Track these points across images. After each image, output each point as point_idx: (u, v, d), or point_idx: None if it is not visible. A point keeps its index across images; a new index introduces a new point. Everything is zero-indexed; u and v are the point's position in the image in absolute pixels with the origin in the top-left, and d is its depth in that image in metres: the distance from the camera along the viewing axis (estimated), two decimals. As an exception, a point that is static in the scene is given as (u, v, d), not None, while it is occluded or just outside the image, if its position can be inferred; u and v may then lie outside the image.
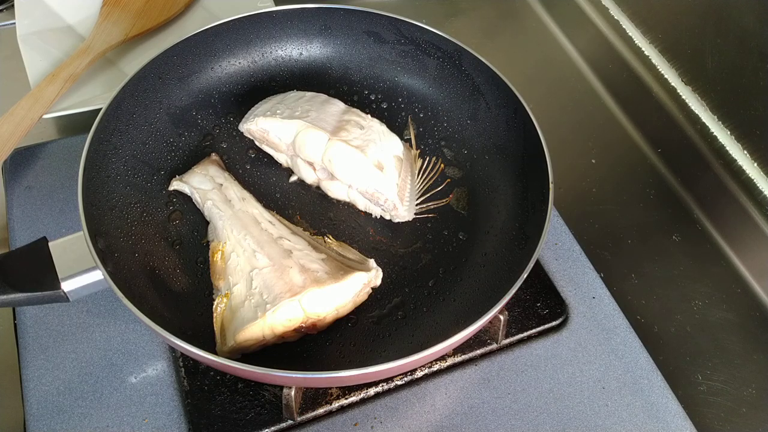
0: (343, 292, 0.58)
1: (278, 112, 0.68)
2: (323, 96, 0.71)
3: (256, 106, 0.71)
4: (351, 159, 0.65)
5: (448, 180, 0.72)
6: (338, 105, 0.70)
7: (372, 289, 0.62)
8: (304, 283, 0.57)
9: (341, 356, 0.60)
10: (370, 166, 0.65)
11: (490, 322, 0.61)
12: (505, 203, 0.69)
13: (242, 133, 0.71)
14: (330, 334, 0.61)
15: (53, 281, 0.55)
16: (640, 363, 0.65)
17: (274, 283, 0.57)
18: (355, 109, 0.70)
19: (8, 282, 0.54)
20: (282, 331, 0.57)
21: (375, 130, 0.68)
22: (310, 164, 0.69)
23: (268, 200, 0.69)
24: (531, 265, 0.57)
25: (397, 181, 0.66)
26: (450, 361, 0.64)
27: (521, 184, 0.68)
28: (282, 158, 0.72)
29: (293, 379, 0.53)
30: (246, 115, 0.70)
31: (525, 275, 0.56)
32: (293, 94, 0.72)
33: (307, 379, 0.54)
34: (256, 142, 0.72)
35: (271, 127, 0.68)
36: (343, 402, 0.61)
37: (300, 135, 0.67)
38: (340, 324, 0.61)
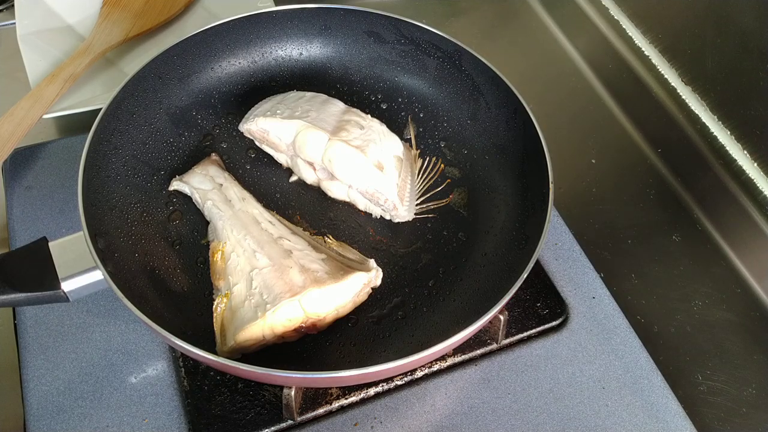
0: (343, 292, 0.58)
1: (278, 112, 0.68)
2: (323, 96, 0.71)
3: (256, 106, 0.71)
4: (351, 159, 0.65)
5: (448, 180, 0.72)
6: (338, 105, 0.70)
7: (372, 289, 0.62)
8: (304, 283, 0.57)
9: (341, 356, 0.60)
10: (370, 166, 0.65)
11: (490, 322, 0.61)
12: (505, 203, 0.69)
13: (242, 133, 0.71)
14: (330, 334, 0.61)
15: (53, 281, 0.55)
16: (640, 363, 0.65)
17: (274, 283, 0.57)
18: (355, 109, 0.70)
19: (8, 282, 0.54)
20: (282, 331, 0.57)
21: (375, 130, 0.68)
22: (310, 164, 0.69)
23: (268, 200, 0.69)
24: (531, 265, 0.57)
25: (397, 181, 0.66)
26: (450, 361, 0.64)
27: (521, 184, 0.68)
28: (282, 158, 0.72)
29: (293, 379, 0.53)
30: (246, 115, 0.70)
31: (525, 275, 0.56)
32: (293, 94, 0.72)
33: (307, 379, 0.54)
34: (256, 142, 0.72)
35: (271, 127, 0.68)
36: (343, 402, 0.61)
37: (300, 135, 0.67)
38: (340, 324, 0.61)
